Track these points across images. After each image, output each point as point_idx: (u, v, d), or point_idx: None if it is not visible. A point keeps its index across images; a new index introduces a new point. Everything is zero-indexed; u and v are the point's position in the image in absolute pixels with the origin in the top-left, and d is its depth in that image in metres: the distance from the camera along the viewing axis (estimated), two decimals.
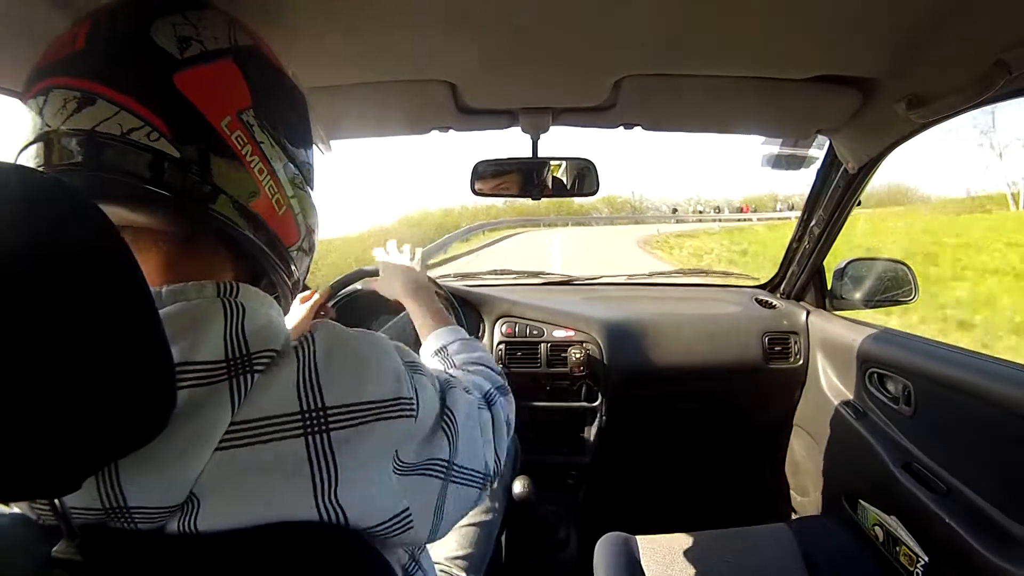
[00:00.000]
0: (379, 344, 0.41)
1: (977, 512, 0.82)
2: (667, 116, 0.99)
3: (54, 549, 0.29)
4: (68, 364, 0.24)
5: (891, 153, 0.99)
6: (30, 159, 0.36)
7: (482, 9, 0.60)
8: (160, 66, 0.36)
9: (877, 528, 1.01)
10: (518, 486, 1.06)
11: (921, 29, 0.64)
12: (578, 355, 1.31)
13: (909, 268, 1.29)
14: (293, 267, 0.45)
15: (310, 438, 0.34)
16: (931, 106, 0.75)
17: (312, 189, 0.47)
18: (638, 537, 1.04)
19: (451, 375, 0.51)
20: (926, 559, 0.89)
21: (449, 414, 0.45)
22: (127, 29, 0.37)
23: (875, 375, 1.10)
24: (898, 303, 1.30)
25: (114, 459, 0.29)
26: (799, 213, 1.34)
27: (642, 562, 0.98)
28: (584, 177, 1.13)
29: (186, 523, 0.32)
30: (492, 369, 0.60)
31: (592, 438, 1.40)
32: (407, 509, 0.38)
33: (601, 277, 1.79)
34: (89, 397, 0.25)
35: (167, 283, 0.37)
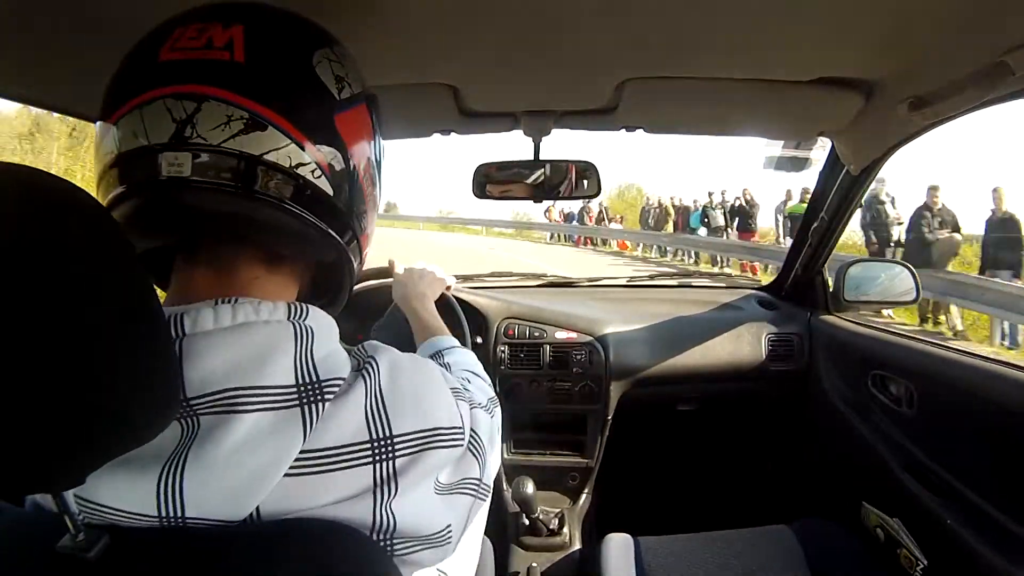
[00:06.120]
0: (434, 374, 0.43)
1: (980, 513, 0.82)
2: (669, 119, 0.99)
3: (58, 544, 0.29)
4: (68, 355, 0.24)
5: (893, 155, 0.99)
6: (166, 165, 0.33)
7: (484, 12, 0.61)
8: (325, 104, 0.37)
9: (879, 530, 1.01)
10: (520, 488, 1.06)
11: (923, 31, 0.64)
12: (580, 357, 1.31)
13: (911, 269, 1.29)
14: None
15: (378, 466, 0.35)
16: (933, 107, 0.75)
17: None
18: (641, 538, 1.04)
19: (464, 387, 0.51)
20: (925, 562, 0.89)
21: (476, 436, 0.45)
22: (292, 55, 0.36)
23: (877, 377, 1.10)
24: (900, 304, 1.30)
25: (118, 454, 0.28)
26: None
27: (645, 563, 0.98)
28: (586, 179, 1.13)
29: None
30: (484, 379, 0.61)
31: (594, 440, 1.40)
32: (448, 525, 0.39)
33: (603, 279, 1.79)
34: (89, 390, 0.25)
35: (243, 296, 0.36)
